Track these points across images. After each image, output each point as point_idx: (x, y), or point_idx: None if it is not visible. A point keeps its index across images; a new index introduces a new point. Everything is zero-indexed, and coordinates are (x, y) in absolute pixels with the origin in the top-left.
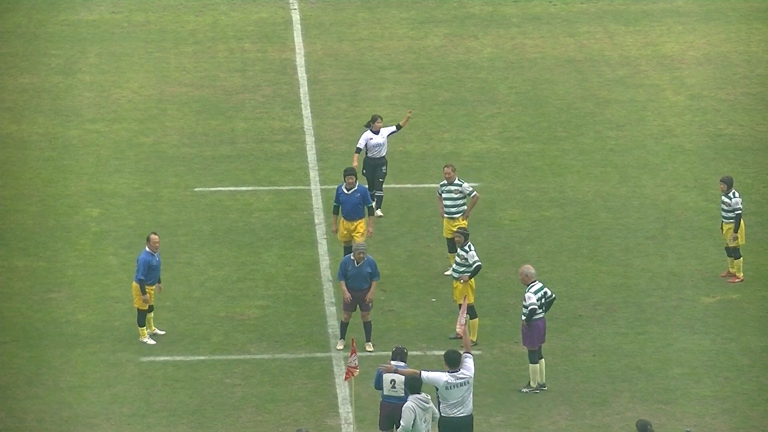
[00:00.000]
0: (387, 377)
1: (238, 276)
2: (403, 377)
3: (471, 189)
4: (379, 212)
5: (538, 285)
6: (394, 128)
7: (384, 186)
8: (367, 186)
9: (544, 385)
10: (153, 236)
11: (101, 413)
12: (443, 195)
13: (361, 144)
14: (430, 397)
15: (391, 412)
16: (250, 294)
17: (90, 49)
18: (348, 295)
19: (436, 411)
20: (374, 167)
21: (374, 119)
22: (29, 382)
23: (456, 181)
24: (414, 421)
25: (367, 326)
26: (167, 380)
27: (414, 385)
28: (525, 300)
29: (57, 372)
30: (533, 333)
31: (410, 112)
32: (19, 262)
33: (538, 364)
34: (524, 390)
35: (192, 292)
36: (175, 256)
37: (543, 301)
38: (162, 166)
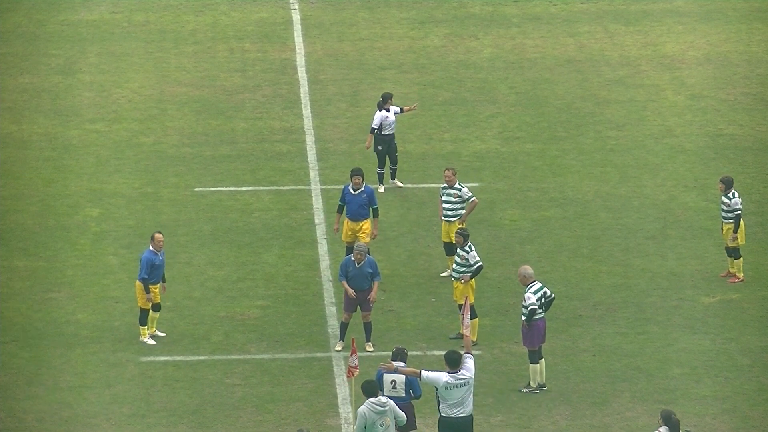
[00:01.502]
0: (387, 377)
1: (238, 276)
2: (404, 377)
3: (470, 194)
4: (399, 183)
5: (537, 285)
6: (398, 109)
7: (384, 186)
8: (378, 164)
9: (544, 385)
10: (157, 235)
11: (101, 413)
12: (443, 198)
13: (375, 124)
14: (389, 401)
15: None
16: (250, 294)
17: (90, 49)
18: (351, 291)
19: (400, 414)
20: (388, 142)
21: (386, 99)
22: (29, 382)
23: (456, 185)
24: (365, 426)
25: (368, 326)
26: (167, 380)
27: (370, 388)
28: (525, 300)
29: (57, 372)
30: (533, 333)
31: (415, 106)
32: (19, 262)
33: (538, 364)
34: (524, 390)
35: (192, 292)
36: (175, 256)
37: (543, 300)
38: (162, 166)
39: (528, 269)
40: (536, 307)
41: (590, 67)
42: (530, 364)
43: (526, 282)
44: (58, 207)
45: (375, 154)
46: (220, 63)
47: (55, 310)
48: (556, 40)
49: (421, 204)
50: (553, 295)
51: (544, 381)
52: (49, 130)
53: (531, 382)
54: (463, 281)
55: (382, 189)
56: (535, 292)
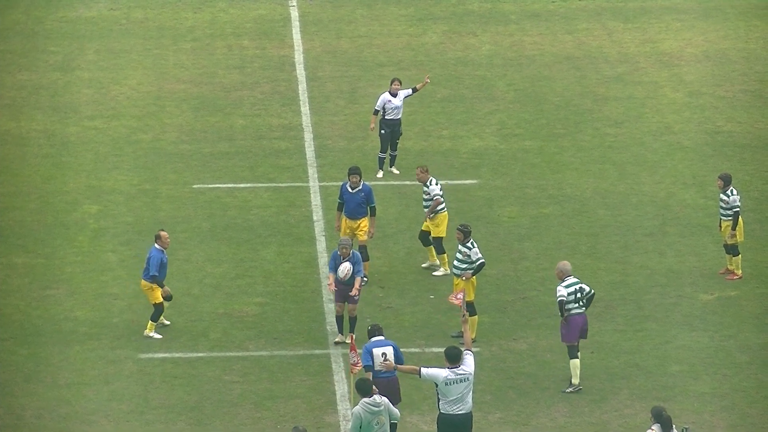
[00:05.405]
0: (377, 351)
1: (236, 273)
2: (392, 349)
3: (436, 191)
4: (395, 170)
5: (571, 279)
6: (410, 91)
7: (382, 184)
8: (380, 148)
9: (579, 386)
10: (163, 233)
11: (100, 410)
12: (423, 195)
13: (378, 106)
14: (384, 400)
15: (385, 387)
16: (249, 291)
17: (88, 46)
18: (333, 286)
19: (395, 411)
20: (393, 127)
21: (391, 81)
22: (27, 379)
23: (427, 182)
24: (360, 426)
25: (352, 321)
26: (166, 377)
27: (364, 387)
28: (556, 293)
29: (55, 369)
30: (570, 328)
31: (428, 77)
32: (17, 259)
33: (577, 360)
34: (567, 390)
35: (190, 288)
36: (174, 253)
37: (578, 296)
38: (160, 163)
39: (566, 264)
40: (564, 298)
41: (589, 64)
42: (570, 360)
43: (561, 277)
44: (57, 204)
45: (378, 138)
46: (219, 60)
47: (54, 307)
48: (555, 37)
49: (419, 201)
50: (592, 291)
51: (578, 381)
52: (47, 127)
53: (572, 380)
54: (464, 278)
55: (380, 175)
56: (567, 286)
